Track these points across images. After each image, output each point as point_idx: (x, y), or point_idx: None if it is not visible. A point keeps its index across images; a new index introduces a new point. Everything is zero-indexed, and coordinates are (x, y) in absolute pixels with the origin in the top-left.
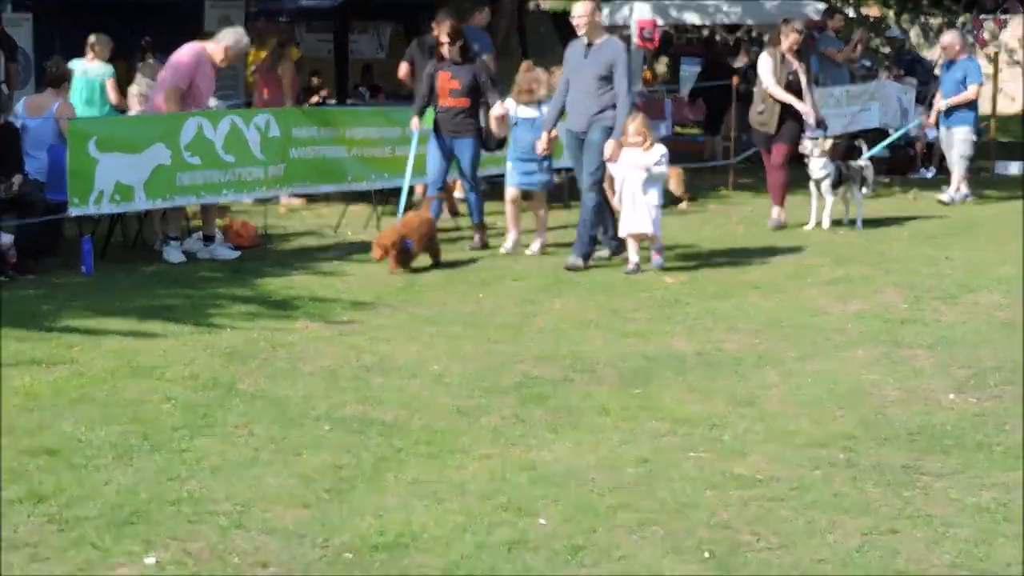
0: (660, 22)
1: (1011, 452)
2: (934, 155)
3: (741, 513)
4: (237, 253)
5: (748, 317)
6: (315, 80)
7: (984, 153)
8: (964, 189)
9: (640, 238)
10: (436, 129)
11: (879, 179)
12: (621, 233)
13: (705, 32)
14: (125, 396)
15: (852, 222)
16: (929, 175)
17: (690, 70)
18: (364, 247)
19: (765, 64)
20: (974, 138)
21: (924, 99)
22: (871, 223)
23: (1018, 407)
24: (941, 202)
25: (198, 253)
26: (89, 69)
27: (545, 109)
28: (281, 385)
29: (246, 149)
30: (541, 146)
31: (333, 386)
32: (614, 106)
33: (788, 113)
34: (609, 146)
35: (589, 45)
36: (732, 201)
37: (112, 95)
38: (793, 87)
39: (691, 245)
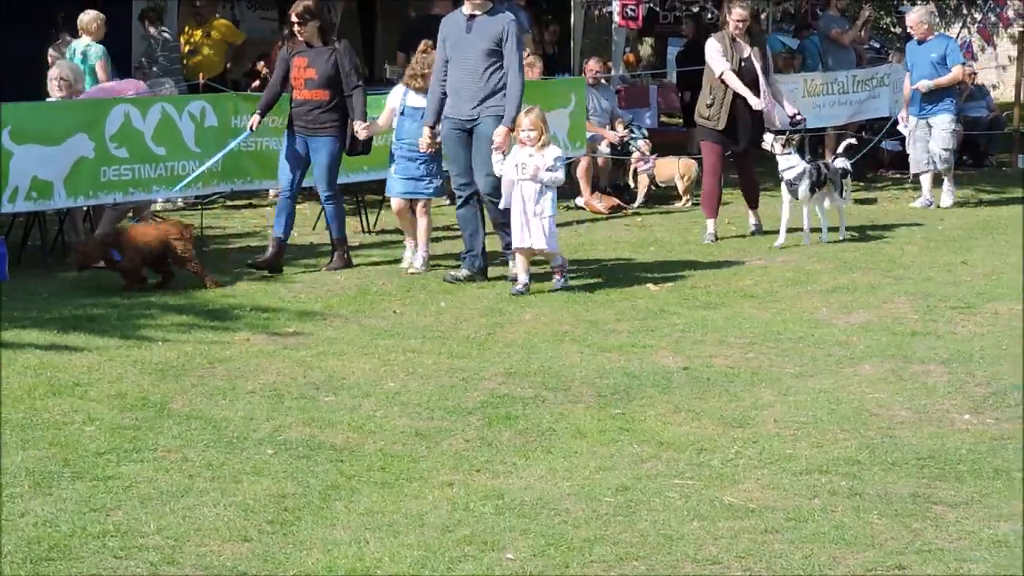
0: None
1: None
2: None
3: (731, 547)
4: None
5: (741, 329)
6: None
7: (1007, 146)
8: (928, 195)
9: (531, 255)
10: (290, 126)
11: (887, 175)
12: (514, 244)
13: (695, 9)
14: (44, 417)
15: (834, 230)
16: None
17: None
18: (312, 251)
19: (713, 48)
20: (957, 127)
21: None
22: (878, 225)
23: None
24: (914, 208)
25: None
26: (78, 48)
27: None
28: (219, 405)
29: (179, 141)
30: (423, 143)
31: (277, 406)
32: (505, 89)
33: (743, 106)
34: (498, 133)
35: (472, 17)
36: (723, 199)
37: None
38: (745, 76)
39: (678, 248)
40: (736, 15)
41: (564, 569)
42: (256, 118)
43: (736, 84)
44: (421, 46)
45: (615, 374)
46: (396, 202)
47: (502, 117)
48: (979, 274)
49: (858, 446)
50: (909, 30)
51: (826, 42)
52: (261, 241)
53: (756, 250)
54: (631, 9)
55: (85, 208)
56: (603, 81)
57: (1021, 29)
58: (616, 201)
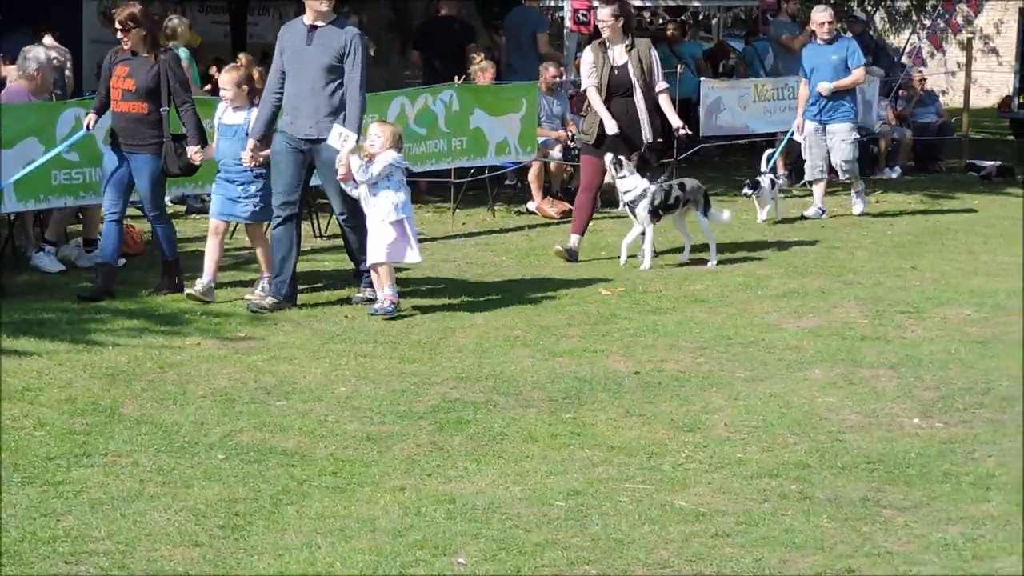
0: (596, 3)
1: (981, 483)
2: (900, 153)
3: (682, 550)
4: (121, 262)
5: (692, 334)
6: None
7: (956, 152)
8: (860, 203)
9: (392, 269)
10: (113, 140)
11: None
12: (370, 260)
13: (647, 15)
14: None
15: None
16: (894, 175)
17: None
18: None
19: (584, 60)
20: (857, 136)
21: (889, 91)
22: (828, 230)
23: (989, 433)
24: (808, 216)
25: (77, 261)
26: None
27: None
28: (170, 410)
29: None
30: (246, 157)
31: (228, 411)
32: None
33: (621, 117)
34: (341, 164)
35: (313, 28)
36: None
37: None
38: (618, 85)
39: (629, 253)
40: (600, 16)
41: (515, 573)
42: (92, 117)
43: (596, 103)
44: (242, 58)
45: (566, 379)
46: (212, 222)
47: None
48: (928, 279)
49: (808, 450)
50: (813, 29)
51: (777, 47)
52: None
53: (707, 255)
54: (583, 14)
55: (35, 212)
56: (556, 87)
57: (970, 35)
58: (567, 206)
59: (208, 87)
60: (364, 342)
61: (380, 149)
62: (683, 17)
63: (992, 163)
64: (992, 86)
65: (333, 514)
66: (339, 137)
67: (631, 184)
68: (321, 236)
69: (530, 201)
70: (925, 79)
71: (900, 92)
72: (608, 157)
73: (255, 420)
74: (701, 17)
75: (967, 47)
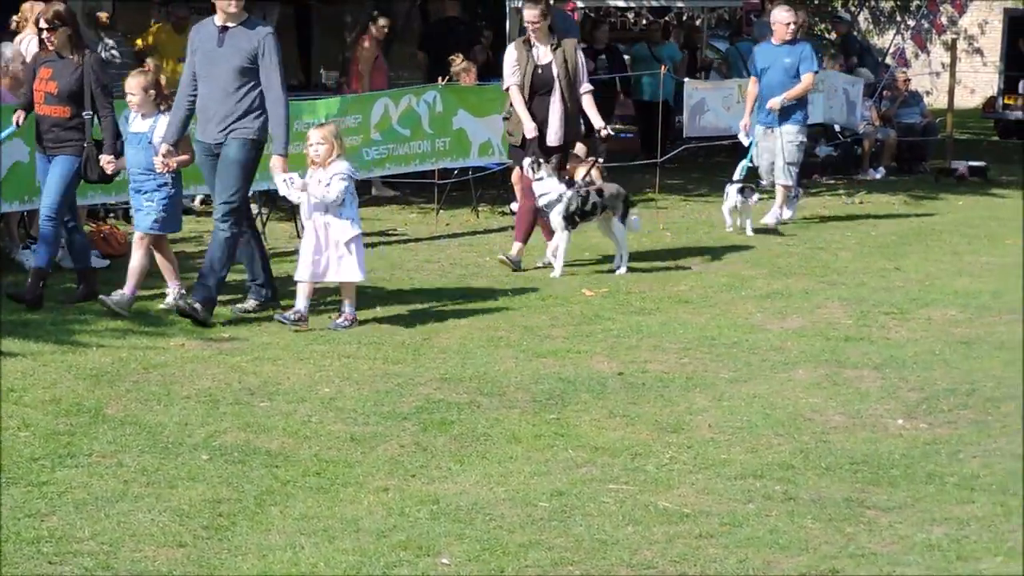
0: (580, 4)
1: (965, 483)
2: (884, 154)
3: (666, 551)
4: (105, 263)
5: (676, 334)
6: None
7: (941, 152)
8: (788, 209)
9: (313, 287)
10: (39, 143)
11: (821, 180)
12: (296, 276)
13: (630, 15)
14: None
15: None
16: (878, 176)
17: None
18: None
19: (507, 57)
20: (804, 139)
21: (873, 92)
22: (812, 231)
23: (974, 434)
24: (765, 225)
25: (62, 262)
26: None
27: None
28: (154, 410)
29: None
30: (159, 163)
31: (212, 411)
32: (260, 109)
33: (546, 117)
34: (275, 167)
35: (224, 28)
36: (659, 204)
37: None
38: (541, 84)
39: (612, 253)
40: (526, 16)
41: (499, 573)
42: (20, 113)
43: (517, 104)
44: (148, 63)
45: (550, 379)
46: (135, 235)
47: (251, 140)
48: (912, 280)
49: (792, 451)
50: (772, 25)
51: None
52: (196, 247)
53: (690, 255)
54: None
55: (21, 213)
56: None
57: (954, 36)
58: None
59: None
60: (348, 343)
61: (327, 158)
62: (667, 18)
63: (963, 163)
64: (977, 87)
65: (317, 515)
66: (286, 185)
67: (547, 188)
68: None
69: (513, 202)
70: (909, 80)
71: (884, 93)
72: (527, 161)
73: (239, 421)
74: (685, 18)
75: (951, 47)
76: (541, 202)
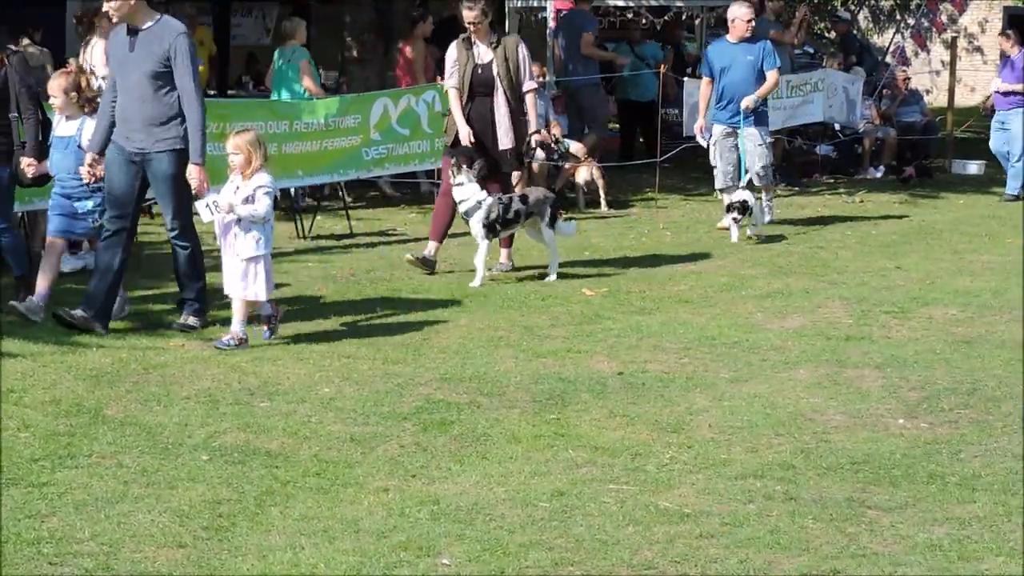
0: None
1: (966, 483)
2: (884, 153)
3: (666, 551)
4: (81, 264)
5: (676, 334)
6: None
7: (941, 151)
8: (767, 213)
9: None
10: None
11: (822, 179)
12: (226, 291)
13: (629, 15)
14: None
15: (543, 273)
16: (878, 174)
17: None
18: None
19: (448, 56)
20: (770, 140)
21: (873, 90)
22: (812, 230)
23: (975, 433)
24: (749, 238)
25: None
26: (283, 52)
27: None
28: (154, 411)
29: None
30: (85, 173)
31: (212, 412)
32: (180, 115)
33: (485, 120)
34: (192, 176)
35: (135, 32)
36: (659, 205)
37: (306, 81)
38: (480, 84)
39: (613, 253)
40: (465, 17)
41: (499, 574)
42: None
43: (453, 107)
44: (71, 63)
45: (550, 379)
46: (49, 239)
47: (177, 150)
48: (913, 279)
49: (793, 451)
50: (731, 22)
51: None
52: None
53: (690, 255)
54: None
55: (20, 214)
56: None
57: (954, 34)
58: None
59: None
60: (348, 343)
61: (246, 168)
62: (666, 17)
63: (910, 167)
64: (977, 85)
65: (317, 515)
66: (210, 210)
67: (467, 193)
68: (304, 237)
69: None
70: (909, 78)
71: (884, 91)
72: (453, 164)
73: (239, 421)
74: (684, 17)
75: (951, 46)
76: (460, 209)
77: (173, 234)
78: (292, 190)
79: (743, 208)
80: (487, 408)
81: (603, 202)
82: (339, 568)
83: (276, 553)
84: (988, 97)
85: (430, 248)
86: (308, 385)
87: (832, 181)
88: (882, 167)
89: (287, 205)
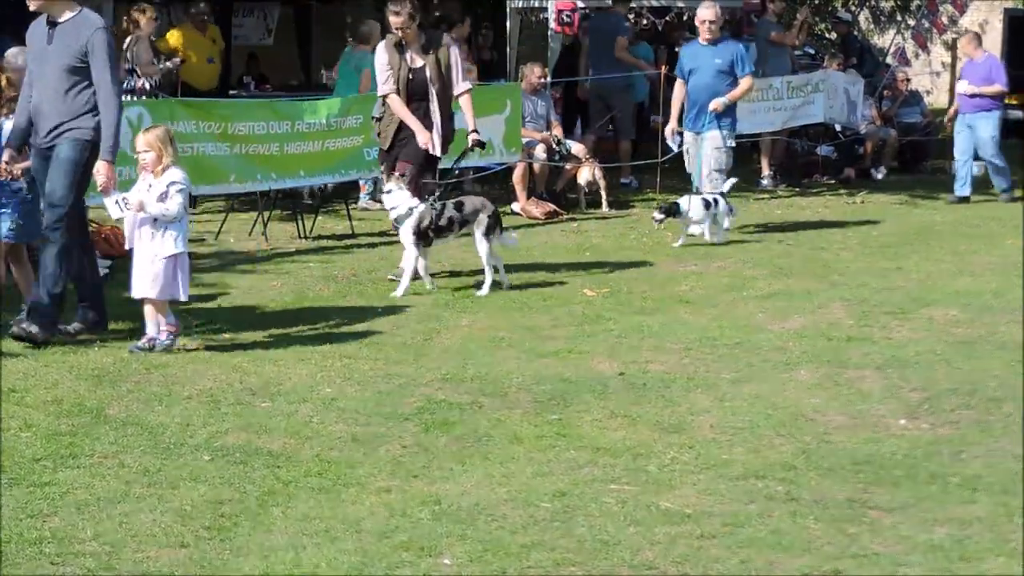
0: (581, 4)
1: (968, 484)
2: (885, 154)
3: (668, 552)
4: (107, 264)
5: (677, 335)
6: None
7: (941, 152)
8: (729, 217)
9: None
10: None
11: (822, 180)
12: (134, 294)
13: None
14: None
15: (479, 285)
16: (880, 176)
17: None
18: (248, 257)
19: (378, 59)
20: (732, 144)
21: (874, 91)
22: (813, 231)
23: (976, 434)
24: (691, 235)
25: None
26: (354, 57)
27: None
28: (155, 411)
29: None
30: (2, 169)
31: (213, 412)
32: (95, 110)
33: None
34: (99, 172)
35: (54, 24)
36: (659, 205)
37: (365, 83)
38: (414, 88)
39: (614, 253)
40: (392, 23)
41: (501, 574)
42: None
43: (403, 113)
44: None
45: (551, 380)
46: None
47: (85, 140)
48: (914, 280)
49: (794, 451)
50: (699, 26)
51: (766, 46)
52: (196, 247)
53: (691, 256)
54: (567, 15)
55: None
56: (540, 87)
57: (955, 35)
58: (552, 207)
59: None
60: (349, 344)
61: (158, 166)
62: (668, 18)
63: (850, 168)
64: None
65: (319, 515)
66: (119, 207)
67: (396, 201)
68: (306, 237)
69: (514, 202)
70: (910, 79)
71: (885, 92)
72: (426, 142)
73: (241, 421)
74: (685, 18)
75: (952, 47)
76: (391, 216)
77: (48, 223)
78: (306, 190)
79: (669, 211)
80: (489, 408)
81: (604, 202)
82: (341, 568)
83: (278, 553)
84: (954, 107)
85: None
86: (310, 385)
87: (833, 182)
88: (883, 168)
89: (288, 205)
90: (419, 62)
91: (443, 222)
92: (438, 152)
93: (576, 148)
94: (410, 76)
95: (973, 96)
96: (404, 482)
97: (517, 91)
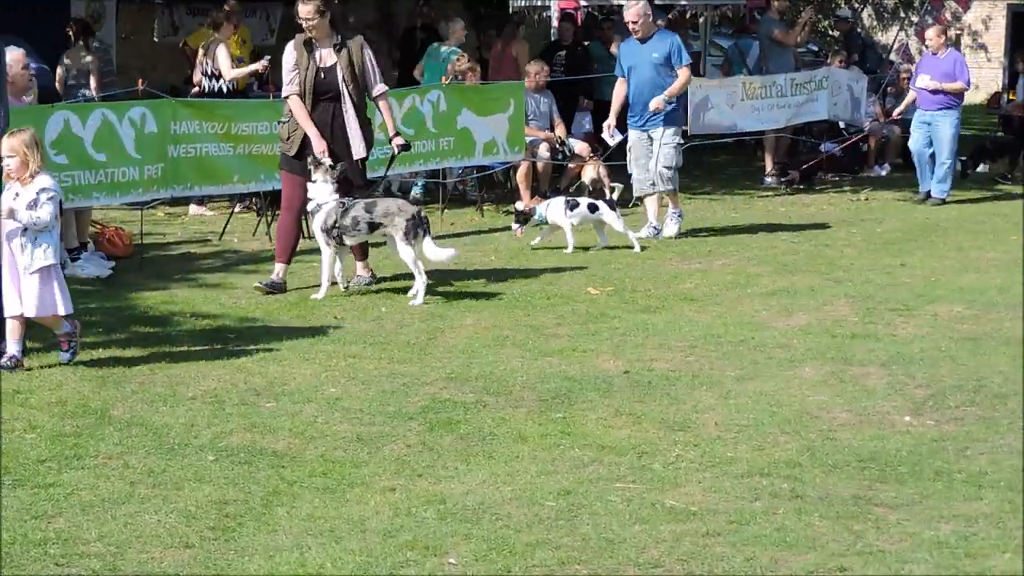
0: (584, 2)
1: (973, 480)
2: (888, 151)
3: (673, 550)
4: (110, 264)
5: (682, 332)
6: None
7: None
8: (653, 221)
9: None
10: None
11: (827, 177)
12: (6, 313)
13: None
14: None
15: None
16: (883, 172)
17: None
18: (252, 257)
19: (286, 59)
20: (680, 141)
21: (878, 88)
22: (818, 228)
23: (981, 430)
24: (670, 236)
25: (65, 267)
26: (440, 51)
27: None
28: (160, 412)
29: (119, 147)
30: None
31: (218, 412)
32: None
33: (332, 127)
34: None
35: None
36: (664, 203)
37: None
38: (324, 88)
39: (618, 251)
40: (299, 13)
41: (506, 573)
42: None
43: (300, 115)
44: None
45: (556, 378)
46: None
47: None
48: (918, 276)
49: (799, 448)
50: (628, 26)
51: (769, 44)
52: (201, 248)
53: (696, 253)
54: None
55: None
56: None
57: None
58: None
59: (196, 89)
60: (354, 343)
61: (24, 172)
62: (670, 16)
63: (794, 171)
64: (981, 82)
65: (323, 515)
66: None
67: (314, 193)
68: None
69: (518, 201)
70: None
71: (889, 89)
72: (308, 158)
73: (245, 421)
74: (688, 16)
75: (955, 43)
76: (308, 207)
77: None
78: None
79: (520, 218)
80: (493, 407)
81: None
82: (346, 568)
83: (283, 553)
84: (911, 99)
85: (278, 271)
86: (314, 385)
87: (837, 179)
88: (887, 165)
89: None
90: (330, 60)
91: (347, 221)
92: (362, 154)
93: (579, 147)
94: (321, 75)
95: (935, 92)
96: (409, 481)
97: (521, 89)
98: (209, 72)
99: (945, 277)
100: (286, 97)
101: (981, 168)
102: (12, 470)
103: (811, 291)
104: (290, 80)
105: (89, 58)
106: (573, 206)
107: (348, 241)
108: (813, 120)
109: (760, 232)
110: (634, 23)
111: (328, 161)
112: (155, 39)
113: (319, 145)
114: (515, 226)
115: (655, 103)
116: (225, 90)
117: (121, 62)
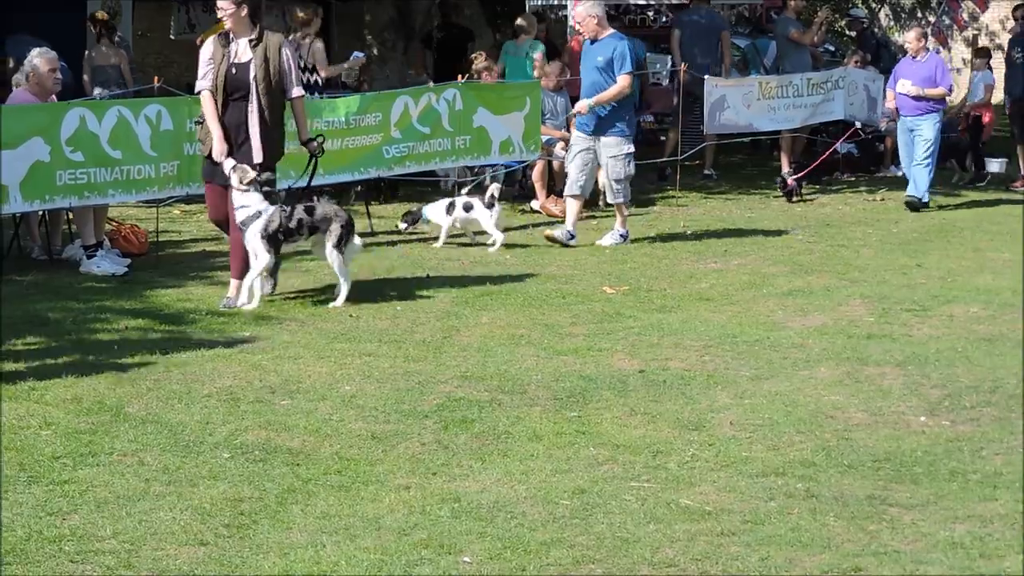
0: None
1: (988, 481)
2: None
3: (688, 549)
4: (126, 262)
5: (697, 332)
6: None
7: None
8: (621, 227)
9: None
10: None
11: (843, 177)
12: None
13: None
14: None
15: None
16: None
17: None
18: None
19: (203, 53)
20: (628, 151)
21: None
22: (833, 228)
23: (997, 431)
24: (602, 247)
25: (81, 264)
26: (520, 47)
27: None
28: (175, 409)
29: (135, 144)
30: None
31: (233, 410)
32: None
33: (248, 125)
34: None
35: None
36: (679, 202)
37: (537, 64)
38: (238, 87)
39: (633, 250)
40: (220, 4)
41: (521, 572)
42: None
43: (208, 115)
44: None
45: (571, 377)
46: None
47: None
48: (934, 277)
49: (814, 448)
50: (577, 27)
51: (785, 44)
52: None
53: (711, 253)
54: None
55: (40, 212)
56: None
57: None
58: None
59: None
60: (368, 341)
61: None
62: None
63: (793, 178)
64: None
65: (338, 513)
66: None
67: (247, 201)
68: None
69: (534, 200)
70: None
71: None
72: (228, 163)
73: (260, 419)
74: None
75: (972, 43)
76: (239, 217)
77: None
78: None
79: (407, 218)
80: (508, 406)
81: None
82: (360, 566)
83: (297, 551)
84: (891, 104)
85: (232, 288)
86: (329, 383)
87: (853, 179)
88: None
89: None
90: (244, 57)
91: (292, 224)
92: (259, 160)
93: None
94: (232, 71)
95: (917, 98)
96: (423, 480)
97: (537, 88)
98: (302, 66)
99: (961, 278)
100: (198, 92)
101: (996, 168)
102: (27, 467)
103: (827, 291)
104: (203, 75)
105: (115, 58)
106: (450, 207)
107: (288, 245)
108: (829, 120)
109: (776, 232)
110: (579, 23)
111: (252, 173)
112: (171, 36)
113: (219, 146)
114: (402, 224)
115: (579, 106)
116: (320, 83)
117: (137, 59)
